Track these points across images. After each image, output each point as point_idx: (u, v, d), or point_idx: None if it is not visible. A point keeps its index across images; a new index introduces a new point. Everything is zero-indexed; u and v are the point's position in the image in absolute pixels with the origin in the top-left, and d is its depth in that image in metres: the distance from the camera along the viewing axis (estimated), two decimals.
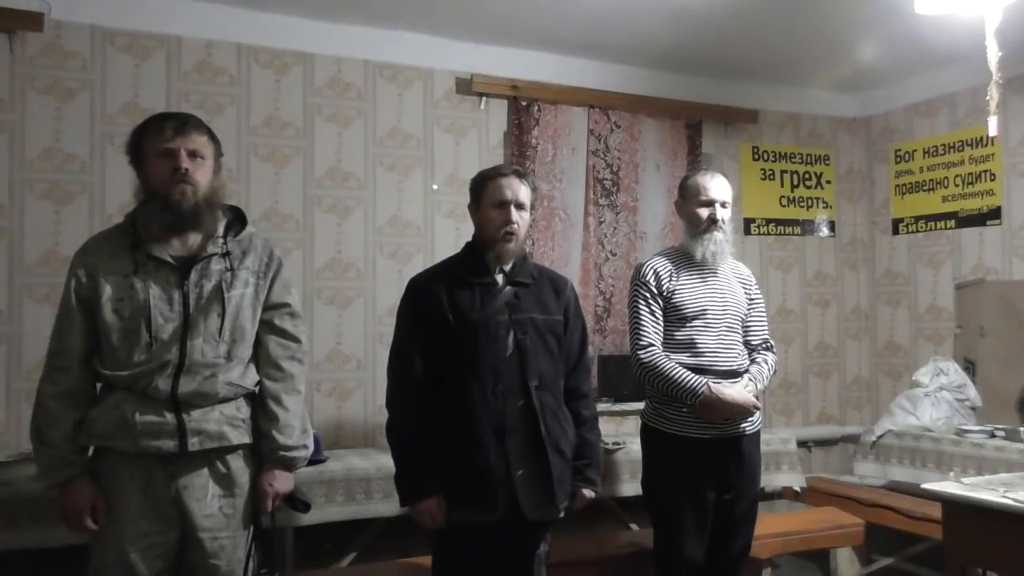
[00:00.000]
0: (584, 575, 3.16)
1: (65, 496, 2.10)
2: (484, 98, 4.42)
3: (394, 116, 4.26)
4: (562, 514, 2.51)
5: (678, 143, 4.87)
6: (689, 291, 2.88)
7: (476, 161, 4.40)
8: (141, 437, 2.07)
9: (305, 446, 2.28)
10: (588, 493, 2.58)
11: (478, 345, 2.41)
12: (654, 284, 2.89)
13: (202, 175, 2.16)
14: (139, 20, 3.76)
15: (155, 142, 2.15)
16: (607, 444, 3.83)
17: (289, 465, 2.26)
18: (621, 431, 4.46)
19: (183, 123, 2.16)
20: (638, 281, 2.93)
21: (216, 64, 3.91)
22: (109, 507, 2.10)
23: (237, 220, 2.30)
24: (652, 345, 2.83)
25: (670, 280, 2.89)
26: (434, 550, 2.53)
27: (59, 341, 2.15)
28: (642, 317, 2.87)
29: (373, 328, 4.15)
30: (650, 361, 2.81)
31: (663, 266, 2.93)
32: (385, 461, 3.51)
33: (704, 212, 2.91)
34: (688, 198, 2.96)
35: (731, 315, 2.92)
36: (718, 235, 2.90)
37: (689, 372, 2.78)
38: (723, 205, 2.92)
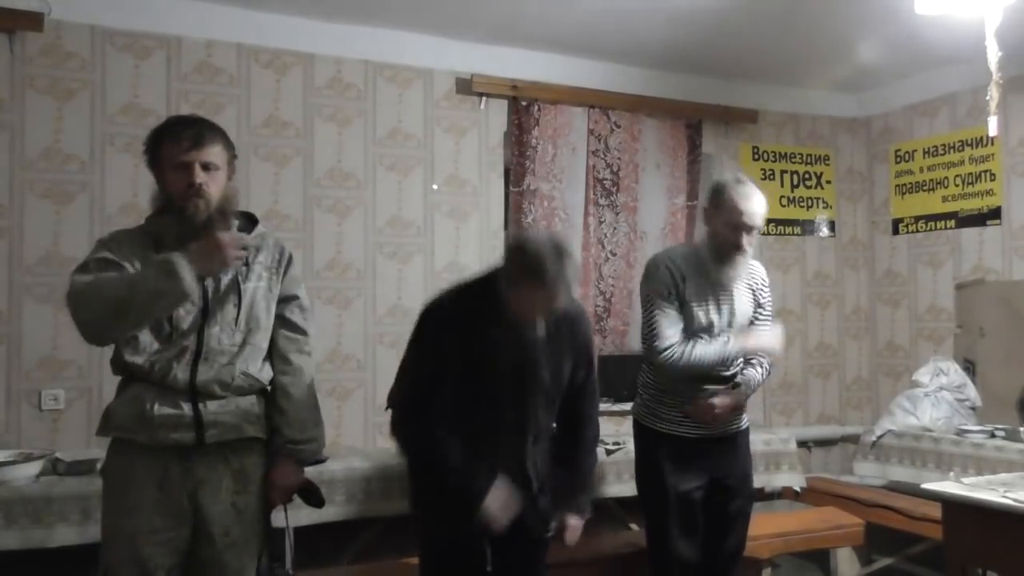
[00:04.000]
0: (584, 575, 3.15)
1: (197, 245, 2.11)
2: (484, 98, 4.42)
3: (394, 116, 4.26)
4: (550, 534, 2.45)
5: (678, 143, 4.87)
6: (695, 304, 2.81)
7: (476, 161, 4.40)
8: (159, 430, 2.10)
9: (314, 439, 2.29)
10: (575, 522, 2.47)
11: (491, 388, 2.31)
12: (669, 280, 2.80)
13: (216, 186, 2.19)
14: (139, 20, 3.75)
15: (171, 153, 2.17)
16: (607, 444, 3.83)
17: (299, 459, 2.28)
18: (621, 431, 4.45)
19: (199, 135, 2.18)
20: (653, 280, 2.83)
21: (216, 64, 3.91)
22: (124, 501, 2.11)
23: (249, 222, 2.35)
24: (671, 347, 2.78)
25: (683, 282, 2.80)
26: (422, 564, 2.47)
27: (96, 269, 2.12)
28: (657, 318, 2.80)
29: (373, 328, 4.15)
30: (672, 364, 2.78)
31: (676, 266, 2.83)
32: (385, 461, 3.52)
33: (737, 236, 2.74)
34: (721, 211, 2.75)
35: (736, 327, 2.88)
36: (740, 259, 2.78)
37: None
38: (756, 231, 2.79)
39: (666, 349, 2.77)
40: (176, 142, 2.16)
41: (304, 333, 2.34)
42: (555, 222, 4.52)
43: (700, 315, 2.82)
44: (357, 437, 4.06)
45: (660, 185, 4.81)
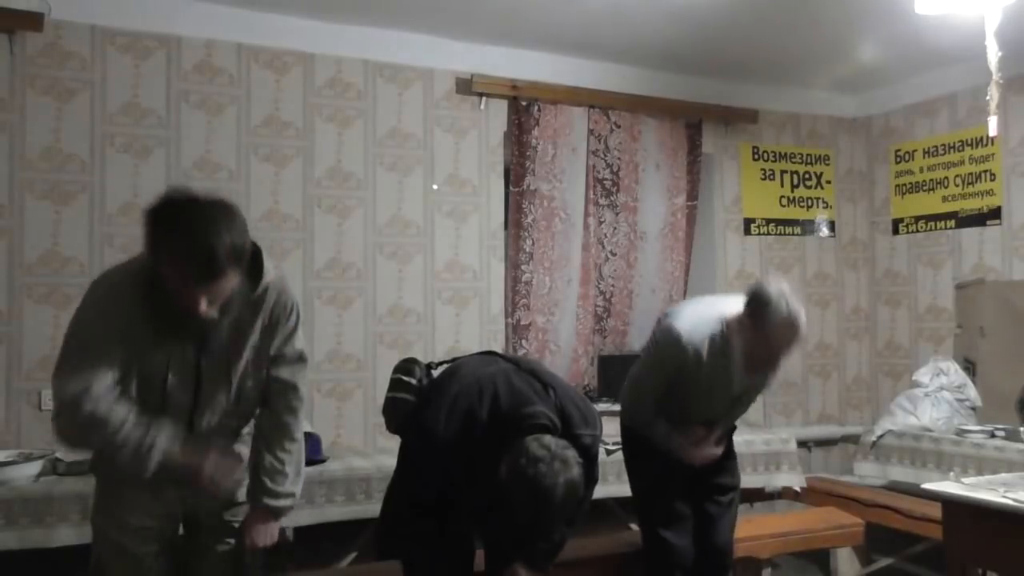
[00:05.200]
0: (584, 575, 3.15)
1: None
2: (484, 98, 4.42)
3: (394, 116, 4.26)
4: None
5: (678, 143, 4.87)
6: (702, 399, 2.77)
7: (476, 161, 4.40)
8: (154, 477, 2.04)
9: (292, 494, 2.21)
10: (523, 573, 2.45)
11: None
12: (686, 366, 2.69)
13: (220, 303, 1.95)
14: (139, 20, 3.75)
15: (174, 273, 1.86)
16: (607, 444, 3.82)
17: (275, 514, 2.21)
18: None
19: (210, 271, 1.83)
20: (675, 353, 2.70)
21: (216, 64, 3.91)
22: (117, 503, 2.11)
23: (254, 270, 2.01)
24: (640, 407, 2.84)
25: (698, 369, 2.70)
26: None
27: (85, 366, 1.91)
28: (650, 383, 2.81)
29: (373, 328, 4.15)
30: (631, 413, 2.90)
31: (699, 355, 2.69)
32: (385, 461, 3.51)
33: (767, 360, 2.70)
34: (762, 330, 2.60)
35: (732, 419, 2.93)
36: (771, 375, 2.82)
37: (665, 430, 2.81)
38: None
39: (635, 403, 2.86)
40: (181, 268, 1.84)
41: (293, 387, 2.19)
42: (555, 222, 4.52)
43: (700, 412, 2.80)
44: (357, 437, 4.06)
45: (660, 185, 4.81)
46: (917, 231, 5.14)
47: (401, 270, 4.21)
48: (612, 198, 4.70)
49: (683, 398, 2.75)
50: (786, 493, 4.44)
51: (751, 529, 3.53)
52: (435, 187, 4.32)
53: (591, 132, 4.62)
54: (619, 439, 3.91)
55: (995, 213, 4.70)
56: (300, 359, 2.20)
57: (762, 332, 2.59)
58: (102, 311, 1.94)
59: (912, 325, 5.18)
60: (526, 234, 4.43)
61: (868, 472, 4.41)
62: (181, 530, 2.22)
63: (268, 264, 2.05)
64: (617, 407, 4.44)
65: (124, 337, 1.94)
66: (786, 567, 4.31)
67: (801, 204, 5.36)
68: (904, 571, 4.24)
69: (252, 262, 2.00)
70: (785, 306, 2.56)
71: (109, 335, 1.92)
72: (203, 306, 1.89)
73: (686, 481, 2.87)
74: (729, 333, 2.67)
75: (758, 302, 2.60)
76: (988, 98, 2.94)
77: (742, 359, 2.67)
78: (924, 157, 5.10)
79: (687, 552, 2.86)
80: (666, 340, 2.71)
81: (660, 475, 2.86)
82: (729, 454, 3.00)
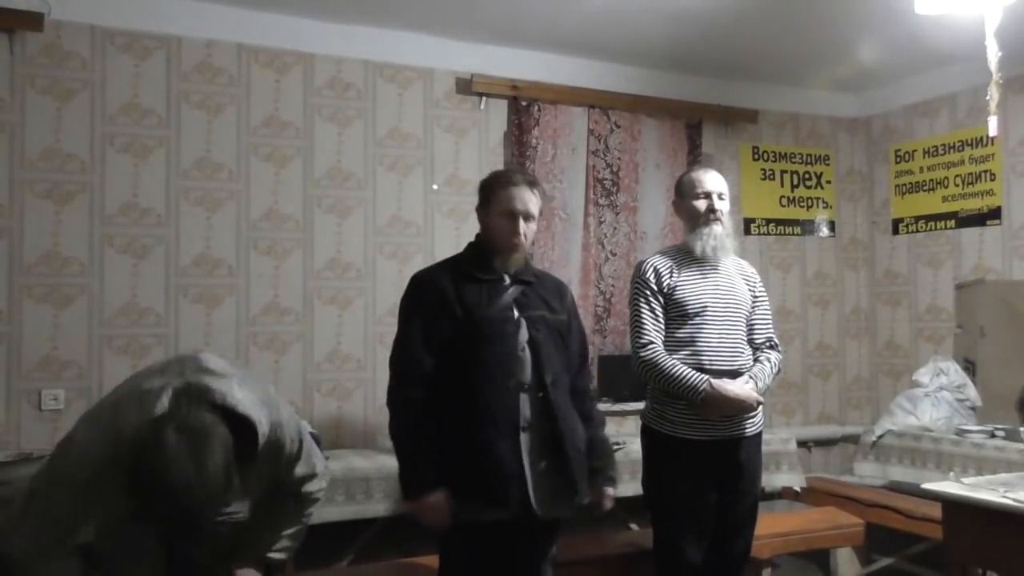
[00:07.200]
0: (584, 575, 3.15)
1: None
2: (484, 98, 4.42)
3: (394, 116, 4.26)
4: (576, 509, 2.51)
5: (678, 143, 4.87)
6: (690, 287, 2.85)
7: (476, 161, 4.40)
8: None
9: (289, 549, 2.19)
10: (612, 492, 2.65)
11: (488, 340, 2.40)
12: (654, 282, 2.86)
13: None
14: (139, 20, 3.75)
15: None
16: None
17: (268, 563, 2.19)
18: (621, 431, 4.46)
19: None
20: (638, 279, 2.90)
21: (216, 64, 3.91)
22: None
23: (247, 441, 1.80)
24: (652, 343, 2.81)
25: (670, 276, 2.86)
26: (441, 551, 2.51)
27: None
28: (642, 315, 2.85)
29: (373, 328, 4.15)
30: (651, 359, 2.79)
31: (663, 263, 2.90)
32: (385, 461, 3.52)
33: (701, 204, 2.89)
34: (684, 194, 2.96)
35: (734, 313, 2.88)
36: (717, 228, 2.87)
37: (690, 369, 2.76)
38: (720, 197, 2.90)
39: (647, 345, 2.82)
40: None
41: (302, 499, 2.16)
42: (555, 222, 4.52)
43: (694, 298, 2.84)
44: (357, 437, 4.06)
45: (660, 185, 4.81)
46: (917, 231, 5.14)
47: (401, 270, 4.21)
48: (612, 198, 4.70)
49: None
50: (786, 493, 4.44)
51: None
52: (435, 187, 4.32)
53: (591, 132, 4.63)
54: (619, 440, 3.93)
55: (995, 213, 4.70)
56: (309, 477, 2.13)
57: (684, 194, 3.02)
58: (74, 499, 1.84)
59: (912, 325, 5.18)
60: None
61: (868, 472, 4.41)
62: None
63: (261, 428, 1.82)
64: (617, 407, 4.49)
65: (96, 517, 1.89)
66: (786, 567, 4.31)
67: (801, 204, 5.36)
68: (904, 571, 4.24)
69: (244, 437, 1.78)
70: None
71: (76, 521, 1.86)
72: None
73: (709, 486, 2.82)
74: None
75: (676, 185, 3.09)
76: (988, 98, 2.93)
77: (689, 230, 3.00)
78: (924, 157, 5.10)
79: (699, 562, 2.83)
80: None
81: (681, 482, 2.79)
82: (757, 462, 2.94)
